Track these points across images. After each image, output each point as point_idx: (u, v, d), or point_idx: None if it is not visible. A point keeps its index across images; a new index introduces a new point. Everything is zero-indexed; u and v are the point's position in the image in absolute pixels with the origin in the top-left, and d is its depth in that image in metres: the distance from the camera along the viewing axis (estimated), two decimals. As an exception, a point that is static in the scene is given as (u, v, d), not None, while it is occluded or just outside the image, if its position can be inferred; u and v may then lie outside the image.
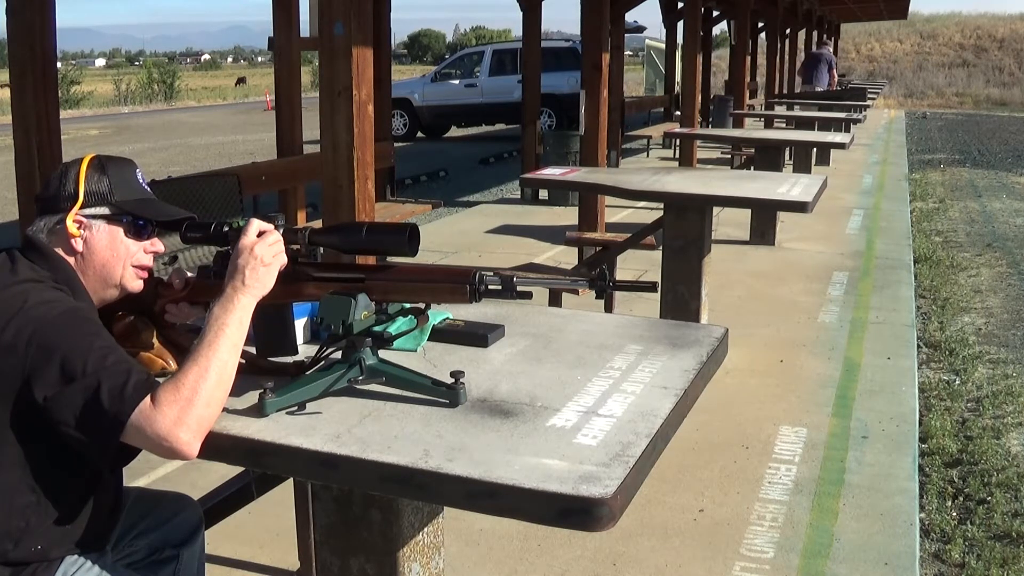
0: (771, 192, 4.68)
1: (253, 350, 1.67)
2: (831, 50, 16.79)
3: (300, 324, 1.88)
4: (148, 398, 1.41)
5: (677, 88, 15.03)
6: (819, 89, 15.38)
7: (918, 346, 5.20)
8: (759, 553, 2.92)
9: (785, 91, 19.53)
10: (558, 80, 16.17)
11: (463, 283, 1.55)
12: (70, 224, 1.63)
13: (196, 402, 1.42)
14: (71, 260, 1.64)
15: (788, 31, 20.11)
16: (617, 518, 1.28)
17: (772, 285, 6.24)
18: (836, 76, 17.21)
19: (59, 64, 4.17)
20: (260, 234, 1.57)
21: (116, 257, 1.66)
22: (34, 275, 1.57)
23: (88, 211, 1.64)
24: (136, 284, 1.69)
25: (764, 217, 7.44)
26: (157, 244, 1.72)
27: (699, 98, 11.17)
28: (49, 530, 1.57)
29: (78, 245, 1.64)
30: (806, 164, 9.15)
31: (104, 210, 1.65)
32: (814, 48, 18.95)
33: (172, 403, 1.41)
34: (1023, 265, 7.65)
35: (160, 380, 1.46)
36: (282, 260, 1.58)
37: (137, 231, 1.68)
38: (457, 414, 1.54)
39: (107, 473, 1.63)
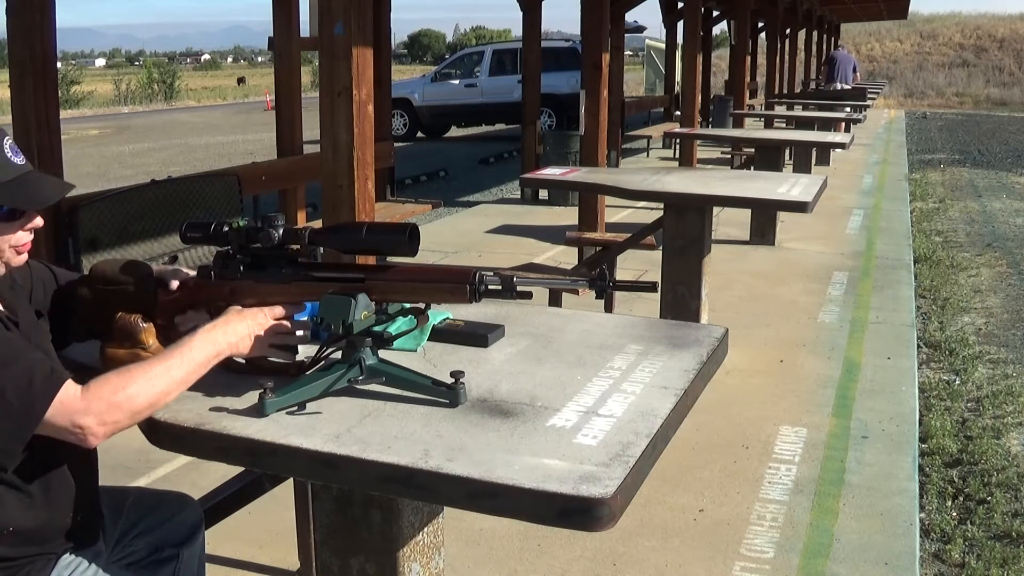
0: (771, 192, 4.68)
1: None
2: (847, 51, 17.68)
3: (300, 324, 1.88)
4: (67, 389, 1.42)
5: (677, 88, 15.04)
6: (845, 87, 15.80)
7: (918, 346, 5.20)
8: (759, 553, 2.92)
9: (785, 91, 19.60)
10: (558, 80, 16.16)
11: (463, 283, 1.55)
12: None
13: (119, 401, 1.44)
14: None
15: (788, 31, 20.13)
16: (617, 518, 1.28)
17: (772, 285, 6.24)
18: (859, 77, 18.07)
19: (59, 64, 4.16)
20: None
21: None
22: None
23: None
24: (20, 259, 1.58)
25: (764, 217, 7.44)
26: (36, 220, 1.58)
27: (699, 98, 11.17)
28: (13, 508, 1.53)
29: None
30: (806, 164, 9.15)
31: None
32: (835, 50, 19.75)
33: (96, 398, 1.43)
34: (1023, 265, 7.65)
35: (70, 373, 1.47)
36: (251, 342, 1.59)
37: (10, 216, 1.52)
38: (457, 414, 1.54)
39: (63, 453, 1.58)
